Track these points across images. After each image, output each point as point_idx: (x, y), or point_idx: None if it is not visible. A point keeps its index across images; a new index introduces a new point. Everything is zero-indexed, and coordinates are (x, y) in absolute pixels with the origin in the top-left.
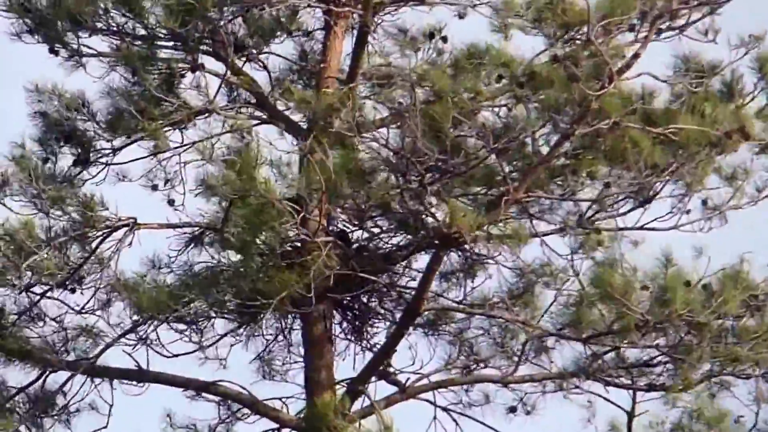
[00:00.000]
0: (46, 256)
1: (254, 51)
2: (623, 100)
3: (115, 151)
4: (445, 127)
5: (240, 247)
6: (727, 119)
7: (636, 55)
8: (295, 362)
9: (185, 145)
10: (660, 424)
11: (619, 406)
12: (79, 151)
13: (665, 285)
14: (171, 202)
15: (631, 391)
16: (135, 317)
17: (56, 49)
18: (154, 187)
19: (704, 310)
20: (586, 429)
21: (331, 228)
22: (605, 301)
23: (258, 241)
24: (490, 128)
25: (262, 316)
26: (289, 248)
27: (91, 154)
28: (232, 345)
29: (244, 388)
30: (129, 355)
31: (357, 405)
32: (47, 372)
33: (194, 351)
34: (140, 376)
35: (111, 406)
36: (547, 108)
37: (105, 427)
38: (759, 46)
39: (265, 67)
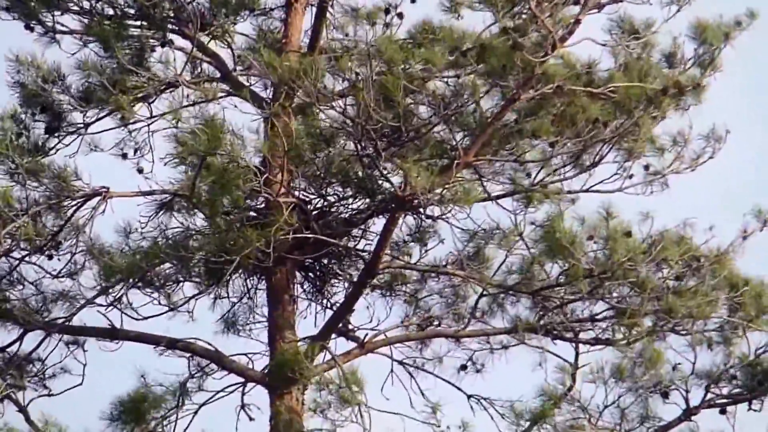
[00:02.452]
0: (23, 223)
1: (218, 29)
2: (567, 65)
3: (87, 125)
4: (397, 95)
5: (207, 206)
6: (661, 77)
7: (577, 21)
8: (259, 322)
9: (154, 116)
10: (600, 371)
11: (565, 360)
12: (50, 119)
13: (607, 235)
14: (140, 170)
15: (574, 344)
16: (107, 281)
17: (31, 25)
18: (124, 156)
19: (645, 258)
20: (535, 378)
21: (293, 192)
22: (553, 254)
23: (224, 200)
24: (440, 96)
25: (227, 275)
26: (254, 211)
27: (63, 125)
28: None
29: (211, 345)
30: (104, 315)
31: (319, 359)
32: (25, 332)
33: (163, 313)
34: (114, 334)
35: (84, 365)
36: (491, 75)
37: (80, 384)
38: (689, 2)
39: (228, 45)
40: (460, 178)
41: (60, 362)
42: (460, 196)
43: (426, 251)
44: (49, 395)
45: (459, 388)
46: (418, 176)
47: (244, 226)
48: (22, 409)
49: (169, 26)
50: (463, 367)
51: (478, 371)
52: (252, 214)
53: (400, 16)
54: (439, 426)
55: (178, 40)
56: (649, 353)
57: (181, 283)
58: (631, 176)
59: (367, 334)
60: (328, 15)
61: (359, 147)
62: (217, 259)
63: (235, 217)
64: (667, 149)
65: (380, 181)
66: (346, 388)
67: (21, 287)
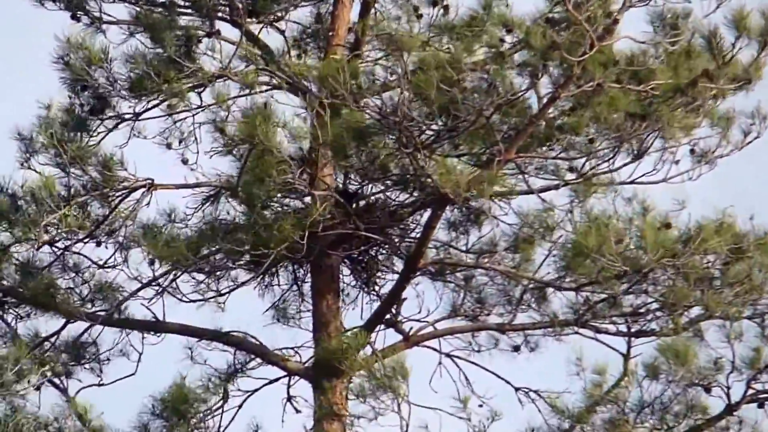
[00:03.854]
0: (67, 213)
1: (269, 16)
2: (607, 61)
3: (136, 115)
4: (431, 94)
5: (246, 198)
6: (695, 68)
7: (615, 21)
8: (308, 310)
9: (201, 107)
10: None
11: (615, 349)
12: (94, 100)
13: (641, 232)
14: (184, 161)
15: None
16: (155, 267)
17: (78, 15)
18: (169, 146)
19: (685, 252)
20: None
21: (336, 186)
22: (584, 258)
23: (262, 192)
24: (477, 93)
25: (267, 266)
26: (297, 205)
27: (107, 110)
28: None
29: (255, 339)
30: (147, 308)
31: (364, 353)
32: (67, 323)
33: (211, 298)
34: (157, 327)
35: (141, 354)
36: (531, 74)
37: (133, 374)
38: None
39: (281, 32)
40: (501, 174)
41: (111, 348)
42: (503, 191)
43: (479, 238)
44: (99, 385)
45: (507, 381)
46: (453, 176)
47: (283, 219)
48: (69, 399)
49: (218, 14)
50: (516, 348)
51: (531, 350)
52: (295, 206)
53: (446, 9)
54: (469, 420)
55: (226, 30)
56: (682, 347)
57: (229, 270)
58: (677, 162)
59: (412, 328)
60: (374, 8)
61: (400, 143)
62: (255, 252)
63: (274, 210)
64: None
65: (422, 178)
66: (388, 377)
67: (67, 277)
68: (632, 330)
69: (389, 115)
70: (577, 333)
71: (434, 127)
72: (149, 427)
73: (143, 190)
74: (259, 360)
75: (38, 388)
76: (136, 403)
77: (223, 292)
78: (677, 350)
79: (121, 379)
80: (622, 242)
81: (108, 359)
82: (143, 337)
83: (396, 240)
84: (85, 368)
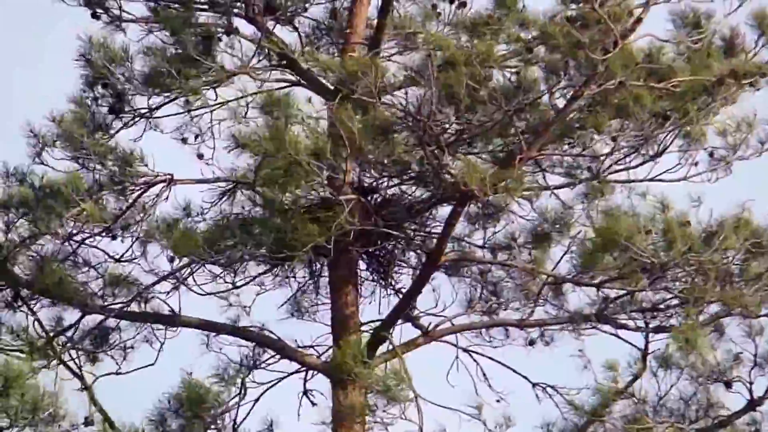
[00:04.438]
0: (87, 207)
1: (285, 13)
2: (628, 59)
3: (152, 110)
4: (460, 92)
5: (266, 203)
6: (719, 67)
7: (639, 20)
8: (323, 303)
9: (218, 103)
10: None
11: (634, 345)
12: (114, 99)
13: (665, 227)
14: (200, 156)
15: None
16: (171, 260)
17: (98, 14)
18: (184, 140)
19: (707, 250)
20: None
21: (355, 183)
22: (611, 248)
23: (284, 198)
24: (502, 91)
25: (288, 266)
26: (315, 204)
27: (126, 107)
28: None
29: (272, 333)
30: (163, 301)
31: (382, 348)
32: (83, 316)
33: (226, 291)
34: (174, 320)
35: (162, 343)
36: (554, 71)
37: (152, 364)
38: None
39: (296, 29)
40: (521, 172)
41: (132, 338)
42: (522, 189)
43: (493, 234)
44: (117, 373)
45: (525, 377)
46: (478, 173)
47: (305, 220)
48: (86, 387)
49: (235, 11)
50: (531, 342)
51: (547, 344)
52: (315, 203)
53: (463, 5)
54: (484, 423)
55: (243, 27)
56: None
57: (245, 263)
58: (696, 164)
59: (431, 323)
60: (393, 5)
61: (421, 141)
62: (277, 255)
63: (295, 211)
64: (731, 135)
65: (442, 175)
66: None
67: (83, 270)
68: (651, 326)
69: (415, 113)
70: (594, 327)
71: (456, 125)
72: (167, 420)
73: (163, 184)
74: (276, 354)
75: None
76: (150, 396)
77: (238, 284)
78: (688, 337)
79: (138, 368)
80: (650, 233)
81: (132, 347)
82: (153, 330)
83: (414, 235)
84: (107, 354)
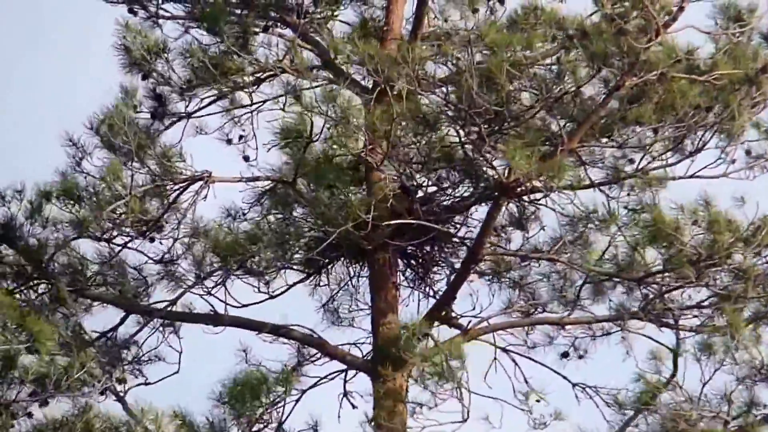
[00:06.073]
0: (126, 206)
1: (319, 17)
2: (669, 51)
3: (190, 115)
4: (501, 78)
5: (307, 201)
6: (761, 58)
7: (681, 8)
8: (361, 309)
9: (257, 103)
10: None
11: (666, 346)
12: (156, 104)
13: (710, 221)
14: (246, 158)
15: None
16: (213, 262)
17: (135, 10)
18: (229, 142)
19: (747, 248)
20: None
21: (395, 179)
22: (657, 240)
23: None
24: (543, 80)
25: (329, 260)
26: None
27: (167, 108)
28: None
29: (313, 332)
30: (206, 300)
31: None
32: (127, 315)
33: (263, 301)
34: (216, 319)
35: (180, 353)
36: (596, 60)
37: (177, 373)
38: None
39: (330, 32)
40: (563, 165)
41: (155, 348)
42: (565, 182)
43: (528, 238)
44: (146, 384)
45: (564, 377)
46: (522, 161)
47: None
48: (120, 398)
49: (271, 14)
50: (565, 355)
51: (580, 357)
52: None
53: (501, 1)
54: (531, 412)
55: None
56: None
57: (281, 270)
58: (733, 161)
59: (470, 321)
60: (429, 2)
61: (462, 133)
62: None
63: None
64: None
65: (484, 168)
66: (447, 365)
67: (122, 271)
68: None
69: (456, 103)
70: (627, 331)
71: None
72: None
73: (201, 183)
74: (317, 353)
75: (103, 393)
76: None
77: (276, 290)
78: (734, 327)
79: (166, 377)
80: (696, 224)
81: (150, 360)
82: (175, 332)
83: (455, 231)
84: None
